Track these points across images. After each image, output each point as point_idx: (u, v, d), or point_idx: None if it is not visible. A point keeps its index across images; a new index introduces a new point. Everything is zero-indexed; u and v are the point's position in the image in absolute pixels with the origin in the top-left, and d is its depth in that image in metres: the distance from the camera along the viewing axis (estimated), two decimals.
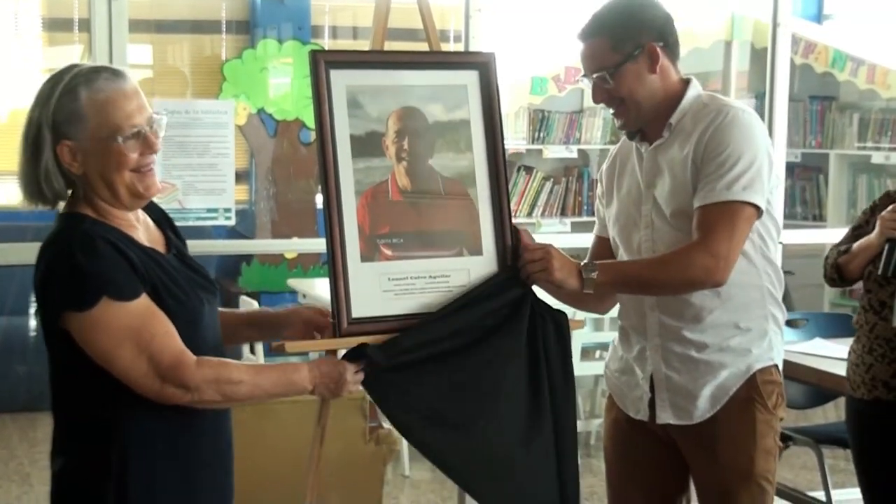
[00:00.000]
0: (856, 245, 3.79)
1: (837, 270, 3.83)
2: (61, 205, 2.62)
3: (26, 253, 2.59)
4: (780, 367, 3.25)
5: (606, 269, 3.08)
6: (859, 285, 3.89)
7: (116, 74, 2.55)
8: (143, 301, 2.48)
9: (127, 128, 2.51)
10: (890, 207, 3.72)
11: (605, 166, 3.45)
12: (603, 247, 3.43)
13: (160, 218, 2.78)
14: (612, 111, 3.23)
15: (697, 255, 3.03)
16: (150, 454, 2.54)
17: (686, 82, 3.22)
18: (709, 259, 3.01)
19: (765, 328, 3.20)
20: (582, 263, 3.08)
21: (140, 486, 2.54)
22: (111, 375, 2.47)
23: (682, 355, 3.19)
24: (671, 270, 3.07)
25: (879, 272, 3.68)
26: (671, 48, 3.20)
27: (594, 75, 3.17)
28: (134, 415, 2.52)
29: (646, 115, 3.18)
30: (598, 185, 3.49)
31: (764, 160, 3.09)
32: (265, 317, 3.13)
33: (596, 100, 3.21)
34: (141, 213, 2.67)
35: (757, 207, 3.06)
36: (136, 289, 2.46)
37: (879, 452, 3.75)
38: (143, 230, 2.64)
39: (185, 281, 2.63)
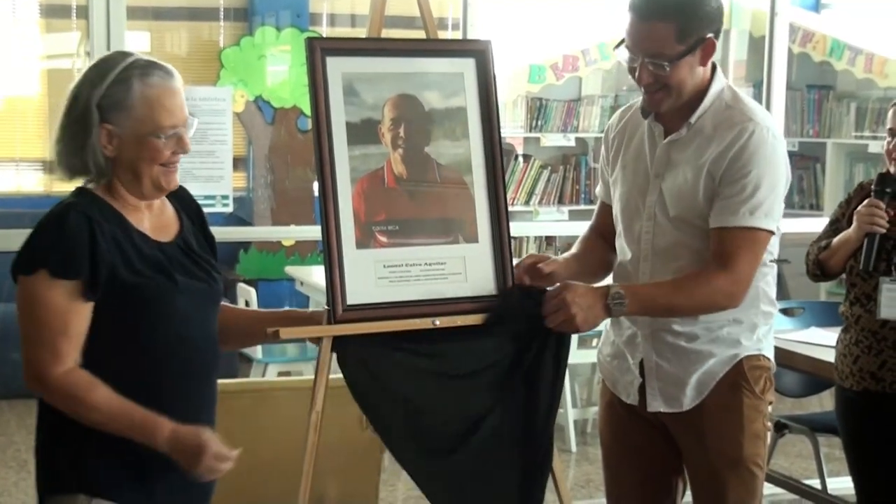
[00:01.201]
0: (835, 241, 3.78)
1: (819, 266, 3.82)
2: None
3: (22, 239, 2.60)
4: (770, 355, 3.26)
5: (634, 300, 3.04)
6: None
7: (169, 73, 2.68)
8: (76, 288, 2.53)
9: (168, 128, 2.63)
10: (865, 202, 3.71)
11: (613, 129, 3.38)
12: (607, 213, 3.41)
13: (189, 208, 2.87)
14: (645, 92, 3.12)
15: (722, 282, 3.06)
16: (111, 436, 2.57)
17: (713, 70, 3.15)
18: (732, 285, 3.06)
19: (755, 322, 3.21)
20: (609, 296, 3.01)
21: (101, 463, 2.61)
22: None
23: (672, 345, 3.19)
24: (696, 297, 3.09)
25: (860, 267, 3.68)
26: (719, 39, 3.12)
27: (648, 59, 3.05)
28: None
29: (681, 103, 3.11)
30: (602, 146, 3.43)
31: (783, 184, 3.12)
32: (298, 315, 3.16)
33: (640, 81, 3.08)
34: (157, 202, 2.74)
35: (771, 232, 3.11)
36: (78, 270, 2.51)
37: (871, 442, 3.76)
38: (148, 215, 2.71)
39: (169, 266, 2.66)
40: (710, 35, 3.05)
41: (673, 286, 3.13)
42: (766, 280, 3.23)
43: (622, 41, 3.10)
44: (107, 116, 2.59)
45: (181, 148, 2.68)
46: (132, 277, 2.58)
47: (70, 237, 2.52)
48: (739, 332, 3.19)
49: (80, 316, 2.55)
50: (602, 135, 3.53)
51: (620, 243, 3.32)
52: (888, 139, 3.76)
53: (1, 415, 7.05)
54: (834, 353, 3.95)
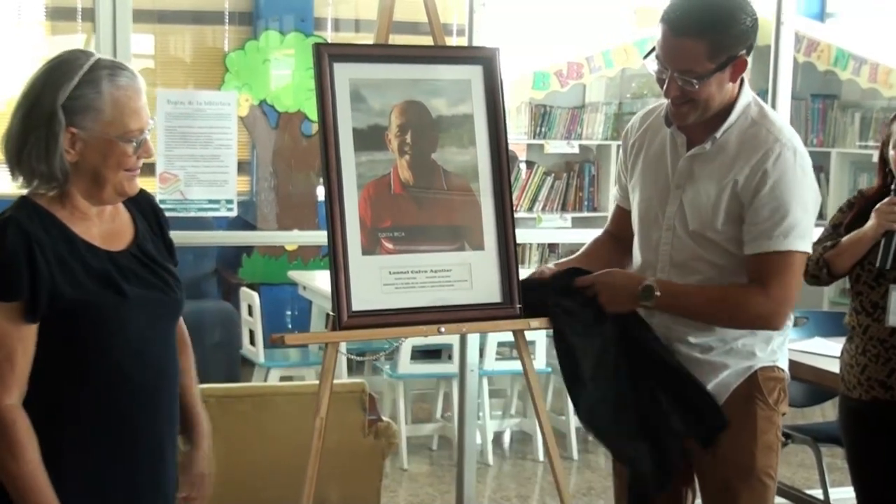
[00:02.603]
0: (845, 239, 3.77)
1: (825, 266, 3.80)
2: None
3: None
4: (785, 366, 3.26)
5: (666, 294, 3.13)
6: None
7: (134, 75, 2.54)
8: (17, 310, 2.40)
9: (136, 132, 2.50)
10: (886, 200, 3.71)
11: (632, 134, 3.35)
12: (623, 217, 3.41)
13: (145, 211, 2.70)
14: (672, 104, 3.10)
15: (761, 302, 3.08)
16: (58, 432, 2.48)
17: (740, 83, 3.13)
18: (769, 305, 3.08)
19: (770, 334, 3.20)
20: (641, 287, 3.12)
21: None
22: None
23: (687, 356, 3.19)
24: (731, 310, 3.12)
25: (878, 265, 3.67)
26: (750, 54, 3.10)
27: (678, 74, 3.01)
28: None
29: (707, 117, 3.10)
30: (621, 150, 3.41)
31: (813, 203, 3.13)
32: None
33: (668, 94, 3.07)
34: (109, 206, 2.60)
35: (807, 253, 3.14)
36: (17, 291, 2.38)
37: (879, 451, 3.75)
38: (98, 223, 2.56)
39: (119, 279, 2.52)
40: (742, 53, 3.04)
41: (708, 295, 3.15)
42: None
43: (652, 50, 3.08)
44: (72, 119, 2.43)
45: (146, 153, 2.54)
46: (76, 294, 2.44)
47: (7, 257, 2.38)
48: (754, 343, 3.18)
49: (23, 340, 2.41)
50: (604, 142, 3.52)
51: (635, 249, 3.32)
52: None
53: None
54: (837, 363, 3.95)
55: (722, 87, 3.06)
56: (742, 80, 3.13)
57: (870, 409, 3.73)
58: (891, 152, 3.77)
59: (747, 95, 3.14)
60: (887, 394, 3.69)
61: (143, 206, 2.69)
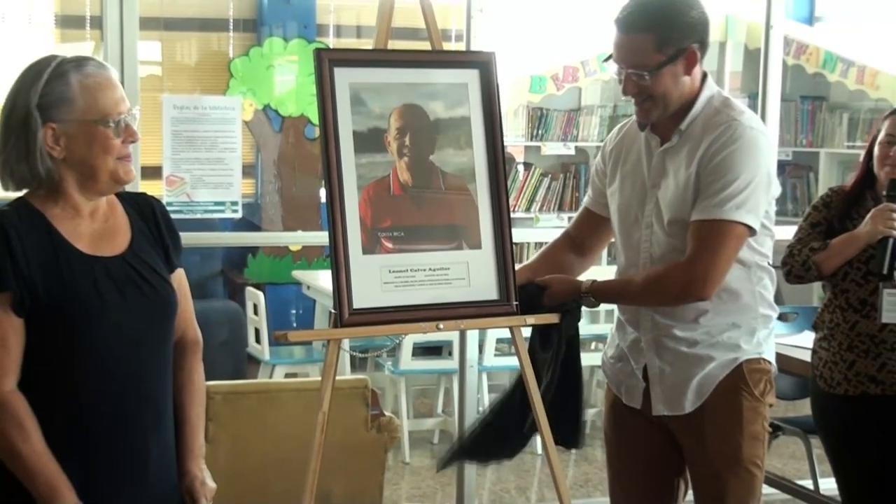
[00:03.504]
0: (836, 242, 3.74)
1: (814, 267, 3.77)
2: None
3: None
4: (772, 358, 3.26)
5: (602, 296, 3.24)
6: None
7: (102, 65, 2.52)
8: (6, 301, 2.39)
9: (114, 114, 2.47)
10: (883, 206, 3.69)
11: (611, 144, 3.38)
12: (588, 220, 3.44)
13: (143, 213, 2.66)
14: (635, 103, 3.14)
15: (679, 274, 3.08)
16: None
17: (703, 78, 3.16)
18: (689, 278, 3.06)
19: (754, 326, 3.21)
20: (581, 291, 3.21)
21: None
22: None
23: (674, 350, 3.19)
24: (657, 288, 3.14)
25: (876, 269, 3.65)
26: (705, 49, 3.12)
27: (630, 70, 3.07)
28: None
29: (670, 112, 3.12)
30: (600, 158, 3.43)
31: (762, 180, 3.07)
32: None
33: (625, 92, 3.12)
34: (104, 206, 2.57)
35: (749, 227, 3.05)
36: (5, 282, 2.37)
37: (864, 445, 3.74)
38: (89, 223, 2.53)
39: (113, 279, 2.50)
40: (692, 45, 3.06)
41: (636, 285, 3.19)
42: (763, 283, 3.23)
43: (611, 55, 3.13)
44: (49, 115, 2.42)
45: (130, 136, 2.50)
46: (57, 296, 2.42)
47: None
48: (739, 336, 3.19)
49: (14, 330, 2.40)
50: (600, 144, 3.52)
51: (618, 250, 3.34)
52: (884, 145, 3.73)
53: None
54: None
55: (677, 81, 3.08)
56: (705, 76, 3.16)
57: (857, 405, 3.72)
58: (876, 150, 3.76)
59: (710, 89, 3.16)
60: (878, 388, 3.68)
61: (143, 210, 2.66)
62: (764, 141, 3.11)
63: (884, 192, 3.72)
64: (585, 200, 3.51)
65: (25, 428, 2.40)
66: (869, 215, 3.69)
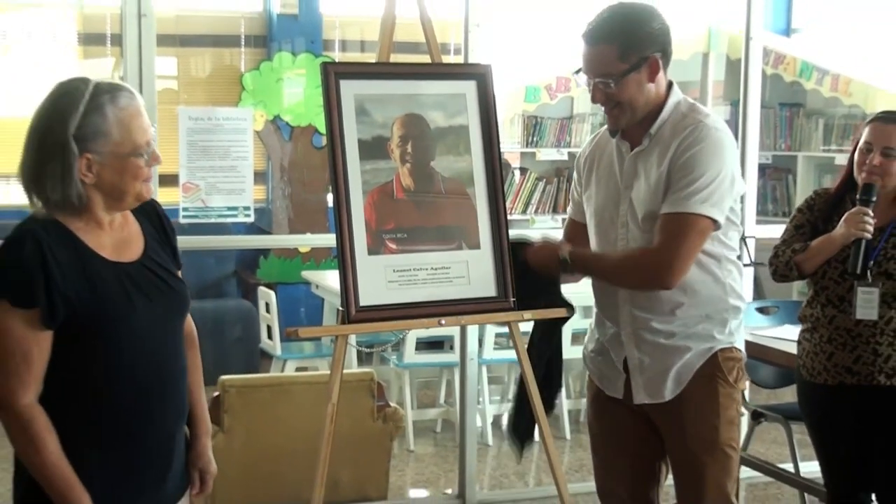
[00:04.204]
0: (815, 244, 3.75)
1: (796, 267, 3.79)
2: None
3: None
4: (742, 346, 3.27)
5: (577, 261, 3.23)
6: None
7: (133, 94, 2.50)
8: (35, 317, 2.36)
9: (144, 145, 2.47)
10: (855, 209, 3.69)
11: (584, 154, 3.38)
12: (576, 229, 3.43)
13: (150, 218, 2.66)
14: (605, 111, 3.15)
15: (645, 261, 3.10)
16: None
17: (669, 87, 3.17)
18: (654, 265, 3.07)
19: (725, 317, 3.22)
20: (560, 259, 3.21)
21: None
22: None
23: (652, 342, 3.20)
24: (629, 270, 3.15)
25: (849, 270, 3.66)
26: (667, 59, 3.14)
27: (597, 79, 3.09)
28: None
29: (638, 119, 3.13)
30: (575, 171, 3.42)
31: (726, 177, 3.08)
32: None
33: (594, 100, 3.12)
34: (119, 217, 2.56)
35: (713, 220, 3.06)
36: (36, 299, 2.35)
37: (843, 431, 3.76)
38: (110, 233, 2.52)
39: (137, 285, 2.50)
40: (654, 54, 3.07)
41: (612, 258, 3.21)
42: (733, 276, 3.24)
43: (580, 68, 3.13)
44: (85, 146, 2.40)
45: (155, 161, 2.50)
46: (88, 304, 2.40)
47: (25, 267, 2.35)
48: (712, 327, 3.20)
49: (40, 344, 2.38)
50: None
51: (593, 249, 3.33)
52: (862, 152, 3.73)
53: None
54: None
55: (641, 88, 3.08)
56: (671, 84, 3.16)
57: (835, 393, 3.73)
58: (856, 156, 3.76)
59: (677, 95, 3.16)
60: (853, 378, 3.69)
61: (150, 214, 2.66)
62: (728, 141, 3.12)
63: (857, 196, 3.72)
64: (569, 212, 3.50)
65: (40, 439, 2.39)
66: (843, 218, 3.69)
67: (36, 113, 2.45)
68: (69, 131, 2.39)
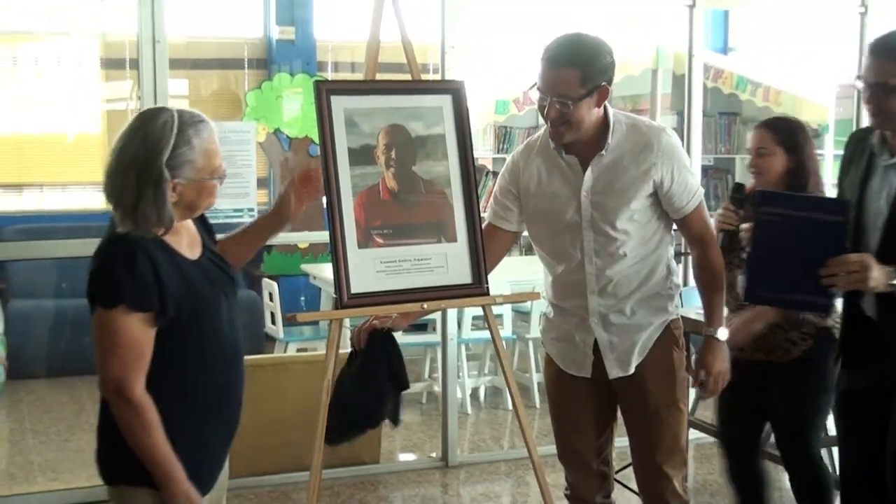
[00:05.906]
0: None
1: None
2: None
3: (92, 247, 2.50)
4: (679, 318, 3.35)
5: (724, 321, 3.33)
6: None
7: (208, 122, 2.52)
8: (148, 318, 2.41)
9: (220, 170, 2.52)
10: (724, 203, 3.77)
11: (523, 170, 3.25)
12: (497, 237, 3.34)
13: (199, 220, 2.68)
14: (552, 126, 3.08)
15: (715, 253, 3.27)
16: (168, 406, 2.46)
17: (604, 108, 3.13)
18: (717, 249, 3.30)
19: (672, 293, 3.27)
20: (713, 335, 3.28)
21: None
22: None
23: (618, 324, 3.21)
24: (722, 275, 3.31)
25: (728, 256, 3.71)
26: (609, 87, 3.10)
27: (555, 98, 3.00)
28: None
29: (579, 137, 3.08)
30: (509, 182, 3.27)
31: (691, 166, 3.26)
32: (263, 221, 3.01)
33: (547, 115, 3.05)
34: (186, 221, 2.60)
35: None
36: (150, 303, 2.39)
37: (744, 399, 3.85)
38: (185, 235, 2.57)
39: (211, 279, 2.56)
40: (605, 84, 3.03)
41: (717, 282, 3.28)
42: (671, 256, 3.29)
43: (534, 84, 3.06)
44: (174, 173, 2.42)
45: (222, 180, 2.56)
46: (190, 301, 2.45)
47: (140, 274, 2.37)
48: (665, 302, 3.25)
49: (149, 342, 2.42)
50: None
51: (551, 259, 3.27)
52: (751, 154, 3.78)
53: (75, 387, 7.04)
54: None
55: (590, 111, 3.05)
56: (605, 106, 3.11)
57: (745, 366, 3.73)
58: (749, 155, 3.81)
59: (611, 112, 3.14)
60: (742, 353, 3.69)
61: (198, 218, 2.68)
62: (678, 139, 3.24)
63: (729, 195, 3.77)
64: (489, 217, 3.37)
65: (152, 425, 2.41)
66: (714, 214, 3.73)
67: (123, 143, 2.45)
68: (162, 162, 2.40)
